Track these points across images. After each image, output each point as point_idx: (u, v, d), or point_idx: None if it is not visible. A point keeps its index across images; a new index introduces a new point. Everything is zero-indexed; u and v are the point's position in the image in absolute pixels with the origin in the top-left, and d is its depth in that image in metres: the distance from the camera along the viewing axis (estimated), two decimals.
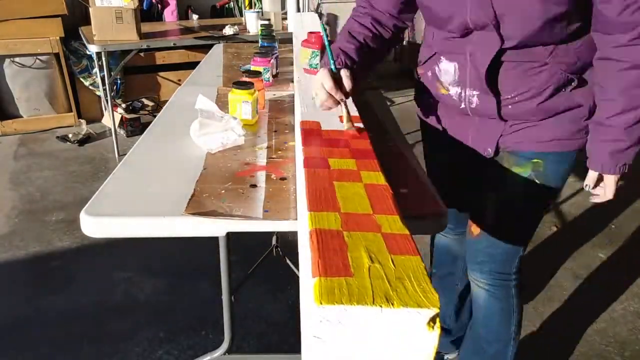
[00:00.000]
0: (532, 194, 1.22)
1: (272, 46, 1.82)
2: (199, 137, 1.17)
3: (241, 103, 1.29)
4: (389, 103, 4.18)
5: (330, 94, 1.02)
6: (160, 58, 3.87)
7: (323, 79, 1.02)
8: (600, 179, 1.11)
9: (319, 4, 4.62)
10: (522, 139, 1.16)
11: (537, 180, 1.18)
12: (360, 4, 1.24)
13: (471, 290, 1.42)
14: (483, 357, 1.44)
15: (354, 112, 1.06)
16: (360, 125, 1.01)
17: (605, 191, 1.12)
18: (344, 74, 1.04)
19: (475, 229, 1.31)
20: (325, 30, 1.15)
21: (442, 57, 1.18)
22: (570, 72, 1.07)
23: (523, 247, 1.31)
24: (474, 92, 1.14)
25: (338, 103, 1.03)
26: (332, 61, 1.06)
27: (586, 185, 1.13)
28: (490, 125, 1.18)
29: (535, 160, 1.17)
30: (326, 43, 1.12)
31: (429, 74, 1.24)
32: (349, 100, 1.07)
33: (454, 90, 1.18)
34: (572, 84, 1.08)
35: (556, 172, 1.19)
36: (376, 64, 1.28)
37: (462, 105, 1.18)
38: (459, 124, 1.24)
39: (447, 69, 1.18)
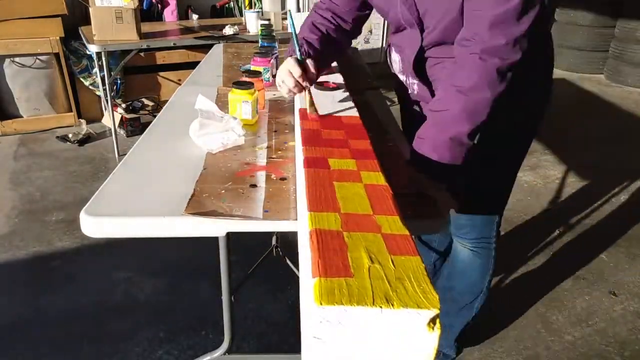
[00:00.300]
0: (489, 172, 1.32)
1: (272, 46, 1.82)
2: (198, 137, 1.17)
3: (241, 103, 1.29)
4: (389, 103, 4.17)
5: (297, 81, 1.12)
6: (161, 58, 3.86)
7: (291, 67, 1.12)
8: None
9: None
10: None
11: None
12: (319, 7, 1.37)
13: (453, 248, 1.55)
14: (454, 307, 1.58)
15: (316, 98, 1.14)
16: (319, 111, 1.09)
17: None
18: (309, 62, 1.14)
19: None
20: (292, 20, 1.19)
21: (392, 48, 1.34)
22: None
23: (499, 215, 1.45)
24: (414, 81, 1.27)
25: (302, 90, 1.12)
26: (298, 51, 1.13)
27: None
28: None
29: None
30: (293, 33, 1.17)
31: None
32: (312, 87, 1.17)
33: (401, 78, 1.33)
34: None
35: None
36: (338, 54, 1.42)
37: (409, 91, 1.32)
38: (413, 107, 1.37)
39: (394, 59, 1.33)
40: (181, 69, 3.91)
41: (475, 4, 1.00)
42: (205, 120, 1.17)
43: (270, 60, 1.65)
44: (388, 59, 1.39)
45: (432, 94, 1.23)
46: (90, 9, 2.97)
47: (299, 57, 1.14)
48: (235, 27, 3.29)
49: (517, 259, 2.30)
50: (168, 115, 1.44)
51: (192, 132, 1.19)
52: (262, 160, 1.14)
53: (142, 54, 3.71)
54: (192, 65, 2.95)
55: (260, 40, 1.87)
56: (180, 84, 2.50)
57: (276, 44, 1.86)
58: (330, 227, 0.61)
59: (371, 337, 0.47)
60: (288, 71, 1.13)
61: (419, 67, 1.22)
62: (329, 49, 1.32)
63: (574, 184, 3.00)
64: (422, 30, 1.16)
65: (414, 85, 1.28)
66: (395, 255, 0.55)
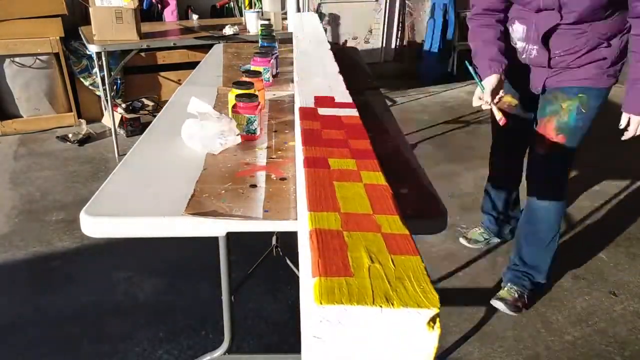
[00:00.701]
0: (577, 123, 1.72)
1: (272, 46, 1.82)
2: (199, 140, 1.16)
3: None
4: (389, 103, 4.17)
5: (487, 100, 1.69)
6: (161, 58, 3.87)
7: (480, 94, 1.71)
8: (628, 122, 1.61)
9: (319, 4, 4.62)
10: (563, 79, 1.70)
11: (583, 110, 1.69)
12: (476, 12, 1.76)
13: (530, 199, 1.90)
14: (542, 244, 1.94)
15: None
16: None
17: (632, 129, 1.60)
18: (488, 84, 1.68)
19: (538, 148, 1.82)
20: (475, 71, 1.75)
21: (515, 21, 1.71)
22: (602, 38, 1.59)
23: (570, 162, 1.84)
24: (534, 47, 1.68)
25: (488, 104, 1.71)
26: (479, 83, 1.71)
27: (620, 125, 1.62)
28: (540, 72, 1.74)
29: (580, 95, 1.68)
30: (475, 77, 1.75)
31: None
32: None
33: (520, 45, 1.74)
34: (602, 45, 1.61)
35: (594, 107, 1.70)
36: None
37: (524, 56, 1.74)
38: (520, 69, 1.78)
39: (517, 29, 1.72)
40: (181, 69, 3.91)
41: None
42: (203, 122, 1.17)
43: (270, 60, 1.65)
44: (510, 28, 1.75)
45: (549, 58, 1.67)
46: (90, 9, 2.97)
47: (481, 87, 1.70)
48: (235, 27, 3.29)
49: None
50: (168, 115, 1.44)
51: (186, 136, 1.18)
52: (262, 160, 1.14)
53: (143, 54, 3.71)
54: (192, 65, 2.95)
55: (260, 40, 1.87)
56: (180, 84, 2.50)
57: (276, 44, 1.86)
58: (330, 227, 0.61)
59: (371, 337, 0.47)
60: (478, 97, 1.72)
61: (546, 38, 1.63)
62: (507, 46, 1.75)
63: (574, 183, 3.00)
64: (559, 12, 1.56)
65: (532, 51, 1.69)
66: (395, 255, 0.55)
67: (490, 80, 1.67)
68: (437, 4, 4.87)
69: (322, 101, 1.19)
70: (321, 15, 4.45)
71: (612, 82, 1.69)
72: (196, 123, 1.17)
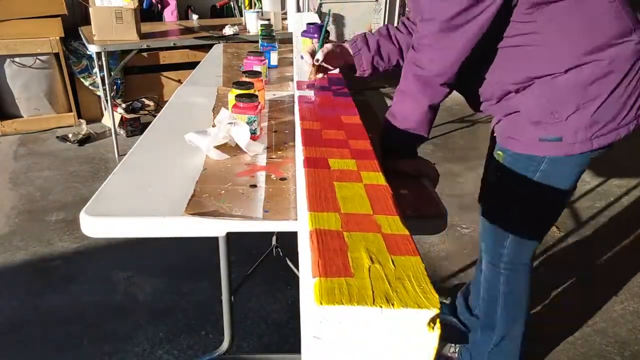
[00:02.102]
0: (500, 182, 1.31)
1: (272, 46, 1.82)
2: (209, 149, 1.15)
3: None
4: (389, 103, 4.17)
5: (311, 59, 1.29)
6: (162, 58, 3.87)
7: (310, 49, 1.31)
8: None
9: (320, 4, 4.61)
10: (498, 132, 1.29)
11: (504, 169, 1.26)
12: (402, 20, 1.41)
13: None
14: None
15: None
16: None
17: None
18: (324, 50, 1.28)
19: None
20: (327, 19, 1.42)
21: None
22: (505, 83, 1.17)
23: (508, 235, 1.36)
24: None
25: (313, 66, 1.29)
26: (321, 40, 1.31)
27: None
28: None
29: (498, 152, 1.28)
30: (325, 26, 1.32)
31: None
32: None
33: None
34: (510, 94, 1.18)
35: (522, 177, 1.23)
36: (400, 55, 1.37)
37: None
38: None
39: None
40: (181, 69, 3.91)
41: None
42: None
43: (263, 60, 1.64)
44: None
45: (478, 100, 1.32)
46: (90, 9, 2.98)
47: (318, 43, 1.31)
48: (235, 27, 3.29)
49: None
50: (168, 115, 1.44)
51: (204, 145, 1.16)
52: (262, 161, 1.14)
53: (145, 54, 3.71)
54: (192, 65, 2.95)
55: (260, 40, 1.87)
56: (180, 84, 2.50)
57: (276, 44, 1.86)
58: (331, 227, 0.61)
59: (371, 337, 0.47)
60: (307, 51, 1.30)
61: None
62: (386, 48, 1.34)
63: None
64: None
65: None
66: (395, 255, 0.55)
67: (329, 46, 1.29)
68: None
69: (322, 101, 1.19)
70: (321, 14, 4.44)
71: (551, 150, 1.17)
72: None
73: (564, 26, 1.06)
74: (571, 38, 1.06)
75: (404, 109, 1.12)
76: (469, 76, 1.11)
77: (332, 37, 4.66)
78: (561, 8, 1.04)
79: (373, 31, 1.39)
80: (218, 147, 1.15)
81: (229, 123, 1.16)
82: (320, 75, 1.31)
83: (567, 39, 1.07)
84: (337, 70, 1.48)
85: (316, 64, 1.28)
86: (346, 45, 1.35)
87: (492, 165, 1.32)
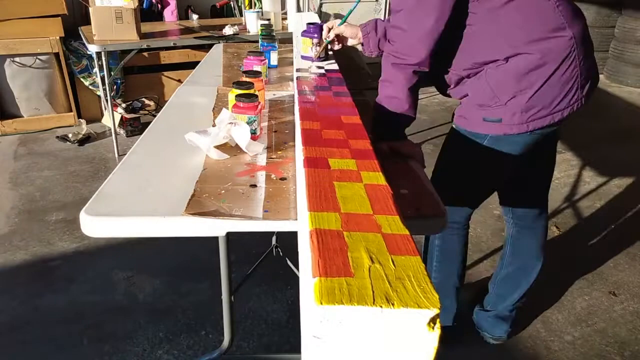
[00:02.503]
0: (449, 152, 1.49)
1: (272, 46, 1.82)
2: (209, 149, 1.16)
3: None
4: None
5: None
6: (162, 57, 3.87)
7: (332, 25, 1.59)
8: None
9: (321, 4, 4.61)
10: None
11: (454, 142, 1.45)
12: None
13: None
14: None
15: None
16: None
17: None
18: (342, 29, 1.56)
19: None
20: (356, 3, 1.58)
21: None
22: (459, 70, 1.33)
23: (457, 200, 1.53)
24: None
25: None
26: (345, 19, 1.56)
27: None
28: None
29: (452, 126, 1.44)
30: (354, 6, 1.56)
31: None
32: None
33: None
34: (464, 80, 1.35)
35: (461, 142, 1.41)
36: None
37: None
38: None
39: None
40: (181, 69, 3.91)
41: None
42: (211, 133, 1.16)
43: (263, 60, 1.63)
44: None
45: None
46: (90, 9, 2.97)
47: (340, 21, 1.57)
48: (235, 27, 3.29)
49: None
50: (168, 115, 1.44)
51: (204, 144, 1.16)
52: (262, 160, 1.14)
53: (146, 54, 3.71)
54: (192, 65, 2.95)
55: (260, 40, 1.87)
56: (180, 84, 2.50)
57: (276, 44, 1.86)
58: (331, 227, 0.61)
59: (371, 337, 0.47)
60: (328, 28, 1.59)
61: None
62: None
63: (574, 184, 3.00)
64: None
65: None
66: (395, 255, 0.55)
67: (341, 28, 1.57)
68: None
69: (322, 101, 1.19)
70: (321, 14, 4.44)
71: (492, 129, 1.31)
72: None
73: (501, 19, 1.21)
74: (508, 30, 1.21)
75: (388, 95, 1.26)
76: (438, 64, 1.26)
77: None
78: (497, 3, 1.19)
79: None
80: (218, 147, 1.15)
81: (229, 123, 1.16)
82: (336, 47, 1.65)
83: (504, 31, 1.21)
84: (336, 67, 1.50)
85: (328, 39, 1.58)
86: (359, 28, 1.55)
87: (447, 138, 1.51)
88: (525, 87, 1.23)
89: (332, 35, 1.58)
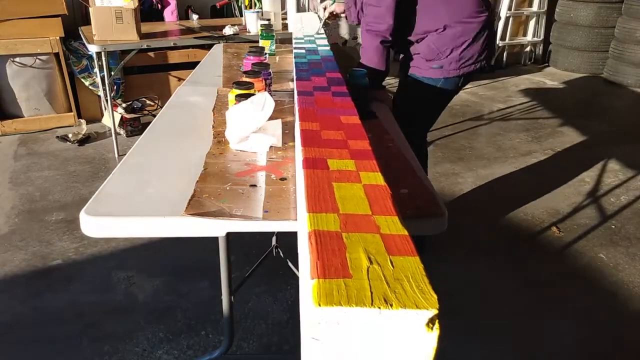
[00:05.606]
0: (407, 93, 2.04)
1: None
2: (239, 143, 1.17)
3: None
4: None
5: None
6: (162, 57, 3.87)
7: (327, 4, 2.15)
8: None
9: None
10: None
11: (409, 86, 1.98)
12: None
13: None
14: None
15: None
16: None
17: None
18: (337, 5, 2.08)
19: None
20: None
21: None
22: (417, 35, 1.86)
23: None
24: None
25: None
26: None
27: None
28: None
29: (408, 75, 1.97)
30: None
31: None
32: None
33: None
34: (420, 41, 1.87)
35: (414, 85, 1.94)
36: None
37: None
38: None
39: None
40: (181, 69, 3.91)
41: None
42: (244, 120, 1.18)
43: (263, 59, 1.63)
44: None
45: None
46: (90, 9, 2.98)
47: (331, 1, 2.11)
48: (235, 27, 3.29)
49: (516, 258, 2.30)
50: (168, 115, 1.44)
51: (232, 138, 1.18)
52: (262, 161, 1.14)
53: (152, 54, 3.71)
54: (192, 65, 2.95)
55: (260, 41, 1.87)
56: (180, 84, 2.50)
57: (274, 35, 1.87)
58: (329, 228, 0.61)
59: (370, 338, 0.47)
60: (323, 8, 2.16)
61: None
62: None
63: (574, 184, 3.00)
64: None
65: None
66: (394, 256, 0.55)
67: (333, 7, 2.10)
68: None
69: (322, 100, 1.19)
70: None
71: (437, 74, 1.87)
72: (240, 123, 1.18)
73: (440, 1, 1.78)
74: (444, 9, 1.77)
75: (367, 54, 1.81)
76: (399, 33, 1.79)
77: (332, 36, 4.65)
78: None
79: None
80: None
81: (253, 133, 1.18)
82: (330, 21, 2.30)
83: (441, 9, 1.77)
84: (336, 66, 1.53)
85: (323, 18, 2.16)
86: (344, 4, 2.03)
87: (401, 85, 2.10)
88: (458, 45, 1.80)
89: (327, 14, 2.12)
